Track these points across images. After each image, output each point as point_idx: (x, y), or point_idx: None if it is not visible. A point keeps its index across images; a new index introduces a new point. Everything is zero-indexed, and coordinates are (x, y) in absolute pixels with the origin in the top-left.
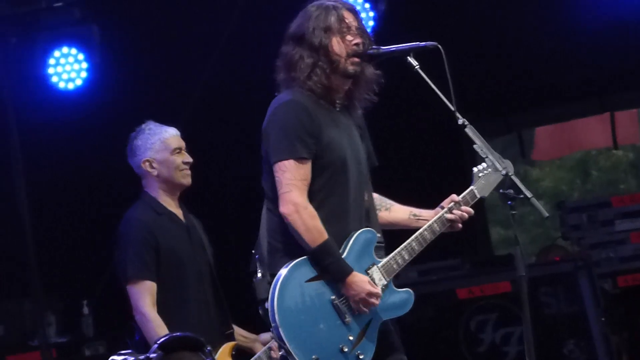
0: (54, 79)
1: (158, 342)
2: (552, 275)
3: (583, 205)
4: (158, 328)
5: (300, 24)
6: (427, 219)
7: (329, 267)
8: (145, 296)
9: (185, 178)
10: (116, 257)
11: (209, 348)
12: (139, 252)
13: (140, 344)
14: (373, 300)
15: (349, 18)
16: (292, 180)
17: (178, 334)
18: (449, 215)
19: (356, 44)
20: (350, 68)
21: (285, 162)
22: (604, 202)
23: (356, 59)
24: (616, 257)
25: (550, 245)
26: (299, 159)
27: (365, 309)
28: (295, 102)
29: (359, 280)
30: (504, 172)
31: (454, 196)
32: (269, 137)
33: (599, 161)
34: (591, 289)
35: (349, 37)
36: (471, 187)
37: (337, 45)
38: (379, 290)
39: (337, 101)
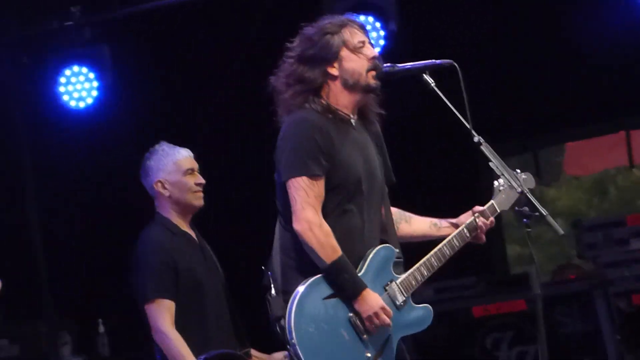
0: (65, 98)
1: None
2: (568, 294)
3: (598, 223)
4: (181, 347)
5: (311, 42)
6: (448, 228)
7: (344, 284)
8: (164, 315)
9: (198, 200)
10: (133, 277)
11: None
12: (157, 272)
13: None
14: (384, 317)
15: (360, 33)
16: (305, 197)
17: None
18: (478, 221)
19: (374, 57)
20: (372, 82)
21: (299, 179)
22: (619, 220)
23: (375, 73)
24: (631, 276)
25: (565, 264)
26: (313, 176)
27: (376, 325)
28: (308, 120)
29: (372, 297)
30: (519, 189)
31: (477, 207)
32: (282, 155)
33: (617, 180)
34: (606, 307)
35: (366, 52)
36: (491, 201)
37: (355, 61)
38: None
39: (352, 118)
